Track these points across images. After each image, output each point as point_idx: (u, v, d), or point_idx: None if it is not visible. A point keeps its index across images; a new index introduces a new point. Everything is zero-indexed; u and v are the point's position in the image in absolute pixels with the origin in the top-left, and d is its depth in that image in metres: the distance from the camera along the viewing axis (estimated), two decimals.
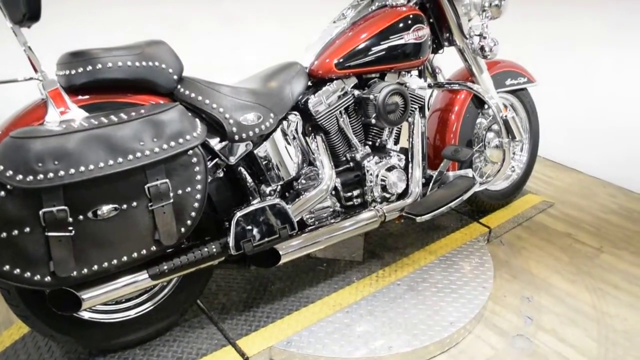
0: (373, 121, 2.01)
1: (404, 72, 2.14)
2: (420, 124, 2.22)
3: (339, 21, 2.06)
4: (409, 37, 2.01)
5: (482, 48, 2.22)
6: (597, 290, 2.23)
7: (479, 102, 2.44)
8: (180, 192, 1.50)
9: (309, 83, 1.99)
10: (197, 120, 1.57)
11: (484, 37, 2.21)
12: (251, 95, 1.74)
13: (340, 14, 2.10)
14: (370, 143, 2.14)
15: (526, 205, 2.83)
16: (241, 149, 1.76)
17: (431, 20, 2.20)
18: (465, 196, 2.14)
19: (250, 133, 1.69)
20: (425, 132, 2.26)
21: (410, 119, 2.21)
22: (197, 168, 1.53)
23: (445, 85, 2.31)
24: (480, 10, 2.21)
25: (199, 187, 1.53)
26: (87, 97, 1.49)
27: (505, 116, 2.18)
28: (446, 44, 2.28)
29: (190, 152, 1.51)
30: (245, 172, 1.81)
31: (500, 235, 2.61)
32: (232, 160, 1.75)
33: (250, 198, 1.82)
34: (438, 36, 2.26)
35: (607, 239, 2.63)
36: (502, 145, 2.28)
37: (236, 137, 1.68)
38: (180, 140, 1.48)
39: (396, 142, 2.21)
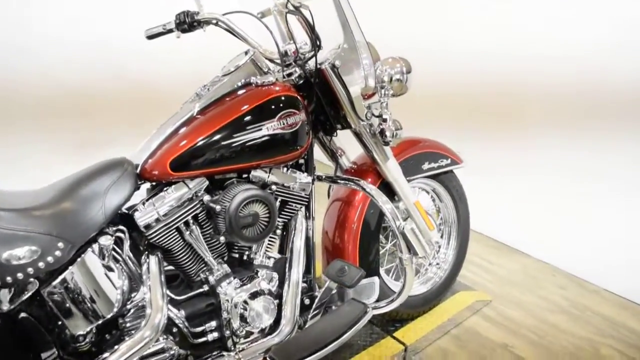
0: (222, 239, 1.54)
1: (278, 167, 1.68)
2: (304, 228, 1.75)
3: (192, 103, 1.60)
4: (274, 126, 1.56)
5: (382, 132, 1.77)
6: None
7: (388, 190, 1.98)
8: None
9: (146, 186, 1.52)
10: None
11: (384, 120, 1.77)
12: (27, 218, 1.25)
13: (194, 94, 1.64)
14: (236, 255, 1.67)
15: (456, 308, 2.36)
16: (20, 291, 1.27)
17: (314, 101, 1.75)
18: (356, 327, 1.66)
19: (20, 275, 1.21)
20: (312, 237, 1.79)
21: (292, 223, 1.74)
22: None
23: (338, 182, 1.84)
24: (379, 86, 1.77)
25: None
26: None
27: (403, 227, 1.71)
28: (339, 126, 1.83)
29: None
30: (32, 320, 1.32)
31: (420, 351, 2.12)
32: (5, 307, 1.26)
33: (44, 355, 1.33)
34: (329, 117, 1.81)
35: (551, 351, 2.17)
36: (402, 262, 1.81)
37: None
38: None
39: (269, 257, 1.72)
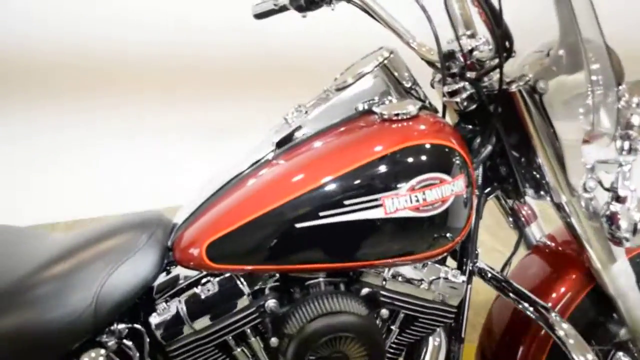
0: None
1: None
2: (442, 355, 1.04)
3: (277, 134, 0.97)
4: (401, 203, 0.85)
5: (612, 220, 0.96)
6: None
7: (602, 297, 1.16)
8: None
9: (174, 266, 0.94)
10: None
11: (621, 199, 0.95)
12: None
13: (283, 120, 1.00)
14: None
15: None
16: None
17: (490, 144, 0.99)
18: None
19: None
20: None
21: (424, 342, 1.04)
22: None
23: (510, 296, 1.06)
24: (618, 135, 0.95)
25: None
26: None
27: None
28: (530, 191, 1.04)
29: None
30: None
31: None
32: None
33: None
34: (514, 172, 1.04)
35: None
36: None
37: None
38: None
39: None
